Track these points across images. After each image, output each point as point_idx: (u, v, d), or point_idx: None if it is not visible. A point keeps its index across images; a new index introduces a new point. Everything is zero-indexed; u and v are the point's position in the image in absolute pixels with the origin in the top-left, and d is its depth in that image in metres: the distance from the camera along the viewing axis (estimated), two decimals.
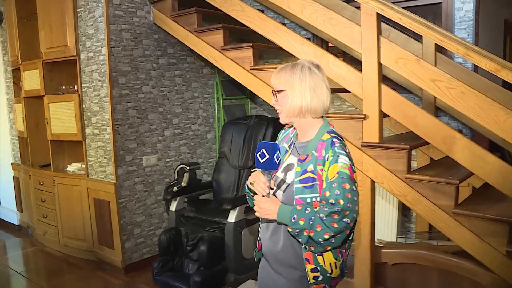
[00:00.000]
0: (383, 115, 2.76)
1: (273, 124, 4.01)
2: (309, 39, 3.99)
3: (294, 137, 1.86)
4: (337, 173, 1.60)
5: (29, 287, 4.05)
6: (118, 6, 3.89)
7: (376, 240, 3.14)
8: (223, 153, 4.20)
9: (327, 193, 1.61)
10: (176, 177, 3.93)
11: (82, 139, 4.27)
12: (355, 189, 1.62)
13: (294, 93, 1.70)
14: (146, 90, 4.16)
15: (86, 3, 3.99)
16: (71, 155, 4.77)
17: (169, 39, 4.32)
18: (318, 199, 1.65)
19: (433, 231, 3.67)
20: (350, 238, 1.76)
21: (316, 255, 1.68)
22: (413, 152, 3.27)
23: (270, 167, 1.72)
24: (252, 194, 1.84)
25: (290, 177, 1.74)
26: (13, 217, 5.76)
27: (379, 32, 2.67)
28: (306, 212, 1.62)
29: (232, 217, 3.46)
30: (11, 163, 5.71)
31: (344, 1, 3.94)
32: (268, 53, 4.39)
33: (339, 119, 2.89)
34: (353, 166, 1.66)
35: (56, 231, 4.71)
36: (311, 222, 1.60)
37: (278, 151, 1.73)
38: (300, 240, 1.66)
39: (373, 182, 2.81)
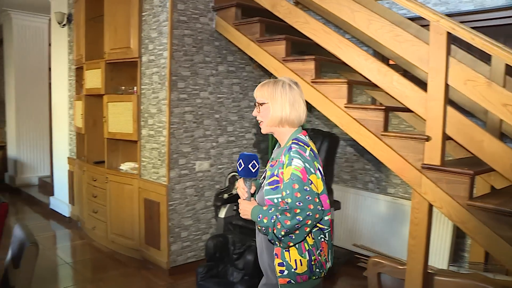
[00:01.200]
0: (446, 137, 2.67)
1: (328, 139, 3.93)
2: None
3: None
4: (290, 174, 1.80)
5: (75, 277, 4.20)
6: (182, 11, 3.97)
7: None
8: None
9: (284, 193, 1.83)
10: (227, 184, 3.95)
11: (137, 139, 4.37)
12: (307, 189, 1.79)
13: (276, 105, 1.93)
14: (203, 95, 4.22)
15: (152, 8, 4.10)
16: (125, 154, 4.88)
17: (230, 47, 4.36)
18: (281, 199, 1.85)
19: (489, 263, 3.50)
20: (327, 239, 1.94)
21: (284, 251, 1.87)
22: None
23: (247, 174, 1.96)
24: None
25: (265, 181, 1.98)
26: (65, 209, 5.96)
27: (448, 52, 2.58)
28: (270, 211, 1.83)
29: None
30: (67, 157, 5.92)
31: (408, 18, 3.86)
32: (326, 66, 4.33)
33: (400, 138, 2.82)
34: (310, 168, 1.83)
35: (105, 227, 4.82)
36: (272, 220, 1.80)
37: (254, 161, 1.95)
38: (267, 236, 1.86)
39: (430, 206, 2.70)
